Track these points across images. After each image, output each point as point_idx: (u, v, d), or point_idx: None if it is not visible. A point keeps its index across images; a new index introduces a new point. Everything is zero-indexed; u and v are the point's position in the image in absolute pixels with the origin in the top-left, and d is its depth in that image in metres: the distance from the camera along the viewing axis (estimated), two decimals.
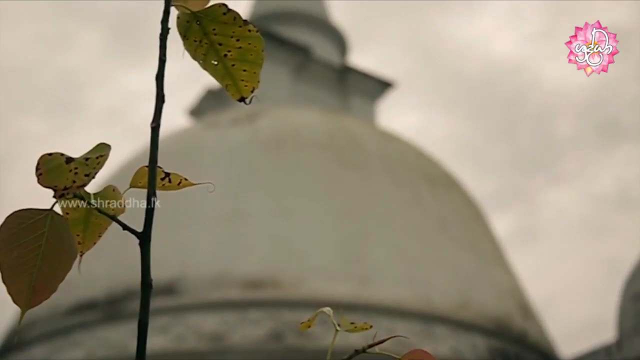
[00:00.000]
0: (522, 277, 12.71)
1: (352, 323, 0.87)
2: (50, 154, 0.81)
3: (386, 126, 15.23)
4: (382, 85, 16.61)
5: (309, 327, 0.92)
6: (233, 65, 0.89)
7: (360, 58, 24.90)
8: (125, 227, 0.82)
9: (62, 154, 0.81)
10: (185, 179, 0.91)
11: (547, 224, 31.09)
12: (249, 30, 0.87)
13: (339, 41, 17.30)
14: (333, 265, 10.68)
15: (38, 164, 0.81)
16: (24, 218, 0.83)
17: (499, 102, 32.37)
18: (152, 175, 0.83)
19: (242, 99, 0.89)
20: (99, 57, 33.19)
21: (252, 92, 0.89)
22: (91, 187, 0.85)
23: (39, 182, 0.82)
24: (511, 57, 32.85)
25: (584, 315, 28.59)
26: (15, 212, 0.84)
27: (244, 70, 0.89)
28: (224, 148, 12.03)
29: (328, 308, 0.87)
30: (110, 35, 33.59)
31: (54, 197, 0.82)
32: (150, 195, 0.82)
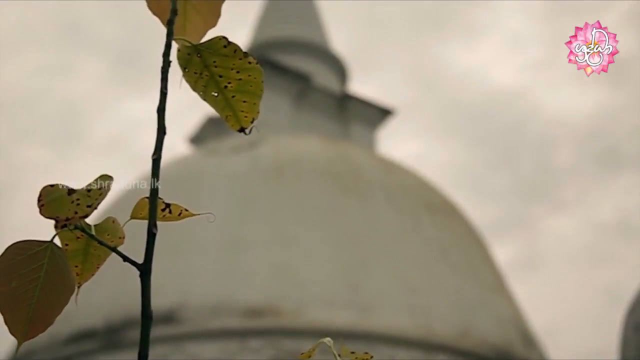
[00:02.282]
0: (523, 305, 12.66)
1: (353, 352, 0.87)
2: (52, 185, 0.82)
3: (386, 154, 15.26)
4: (382, 113, 16.66)
5: (310, 357, 0.92)
6: (233, 96, 0.90)
7: (361, 86, 25.01)
8: (125, 259, 0.82)
9: (64, 186, 0.81)
10: (186, 210, 0.91)
11: (548, 252, 31.03)
12: (249, 62, 0.88)
13: (339, 69, 17.39)
14: (333, 293, 10.63)
15: (40, 195, 0.82)
16: (23, 249, 0.83)
17: (499, 130, 32.46)
18: (153, 207, 0.83)
19: (241, 130, 0.90)
20: (101, 85, 33.35)
21: (251, 122, 0.90)
22: (91, 217, 0.85)
23: (41, 213, 0.82)
24: (511, 86, 32.99)
25: (586, 344, 28.42)
26: (15, 243, 0.85)
27: (244, 102, 0.90)
28: (225, 176, 12.04)
29: (328, 339, 0.87)
30: (112, 64, 33.77)
31: (56, 227, 0.83)
32: (151, 227, 0.82)
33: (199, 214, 0.92)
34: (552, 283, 30.04)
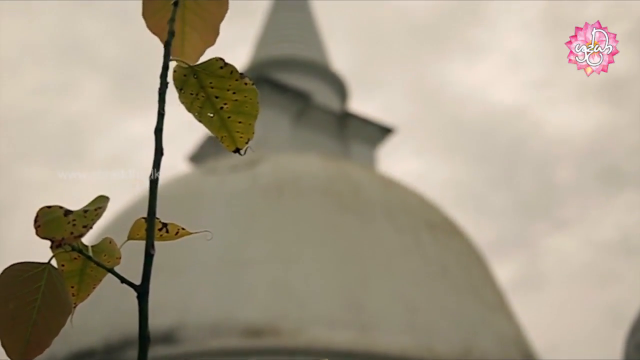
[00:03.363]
0: (524, 324, 12.61)
1: None
2: (49, 207, 0.82)
3: (387, 172, 15.26)
4: (382, 131, 16.68)
5: None
6: (229, 117, 0.90)
7: (361, 104, 25.09)
8: (123, 280, 0.82)
9: (61, 207, 0.82)
10: (183, 229, 0.91)
11: (550, 271, 30.96)
12: (245, 84, 0.88)
13: (339, 87, 17.44)
14: (333, 312, 10.60)
15: (37, 216, 0.82)
16: (21, 271, 0.83)
17: (500, 148, 32.49)
18: (150, 228, 0.83)
19: (237, 150, 0.90)
20: (101, 105, 33.42)
21: (247, 143, 0.91)
22: (89, 236, 0.85)
23: (37, 233, 0.82)
24: (511, 104, 33.06)
25: None
26: (13, 265, 0.85)
27: (240, 122, 0.90)
28: (224, 194, 12.04)
29: None
30: (113, 83, 33.87)
31: (52, 248, 0.83)
32: (149, 248, 0.82)
33: (195, 232, 0.92)
34: (553, 301, 29.95)
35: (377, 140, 16.71)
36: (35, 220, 0.81)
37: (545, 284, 30.97)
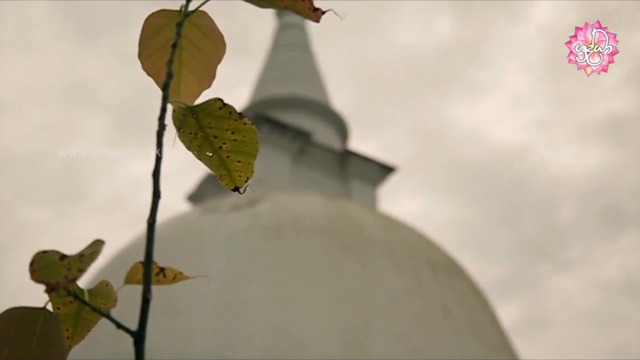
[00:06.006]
0: None
1: None
2: (45, 252, 0.81)
3: (388, 211, 15.24)
4: (383, 170, 16.71)
5: None
6: (228, 156, 0.90)
7: (361, 143, 25.12)
8: (119, 326, 0.81)
9: (57, 252, 0.81)
10: (180, 273, 0.90)
11: (554, 312, 30.76)
12: (245, 124, 0.88)
13: (339, 126, 17.51)
14: (334, 354, 10.50)
15: (32, 260, 0.81)
16: (16, 316, 0.82)
17: (501, 188, 32.50)
18: (147, 273, 0.82)
19: (236, 189, 0.89)
20: (102, 145, 33.54)
21: (246, 182, 0.90)
22: (87, 277, 0.84)
23: (32, 278, 0.81)
24: (513, 144, 33.16)
25: None
26: (8, 309, 0.84)
27: (239, 162, 0.90)
28: (224, 233, 12.01)
29: None
30: (113, 123, 34.04)
31: (46, 292, 0.82)
32: (145, 293, 0.81)
33: (193, 277, 0.91)
34: (558, 343, 29.69)
35: (378, 179, 16.72)
36: (31, 265, 0.80)
37: (549, 324, 30.76)
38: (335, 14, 0.84)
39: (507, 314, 26.83)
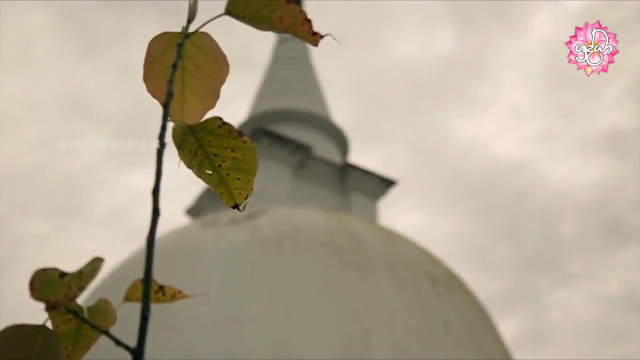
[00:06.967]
0: None
1: None
2: (45, 269, 0.81)
3: (388, 225, 15.23)
4: (383, 184, 16.70)
5: None
6: (227, 174, 0.90)
7: (362, 157, 25.13)
8: (118, 343, 0.81)
9: (56, 269, 0.81)
10: (180, 292, 0.90)
11: (555, 326, 30.64)
12: (244, 142, 0.88)
13: (339, 140, 17.52)
14: None
15: (32, 278, 0.81)
16: (16, 333, 0.82)
17: (502, 201, 32.44)
18: (146, 291, 0.82)
19: (236, 206, 0.90)
20: (102, 158, 33.55)
21: (245, 199, 0.91)
22: (86, 292, 0.84)
23: (32, 296, 0.81)
24: (513, 158, 33.13)
25: None
26: (8, 327, 0.84)
27: (238, 179, 0.90)
28: (223, 247, 11.99)
29: None
30: (114, 137, 34.04)
31: (46, 310, 0.82)
32: (144, 311, 0.81)
33: (192, 295, 0.91)
34: (559, 357, 29.57)
35: (378, 193, 16.71)
36: (31, 283, 0.80)
37: (550, 339, 30.63)
38: (334, 38, 0.85)
39: (508, 328, 26.71)
